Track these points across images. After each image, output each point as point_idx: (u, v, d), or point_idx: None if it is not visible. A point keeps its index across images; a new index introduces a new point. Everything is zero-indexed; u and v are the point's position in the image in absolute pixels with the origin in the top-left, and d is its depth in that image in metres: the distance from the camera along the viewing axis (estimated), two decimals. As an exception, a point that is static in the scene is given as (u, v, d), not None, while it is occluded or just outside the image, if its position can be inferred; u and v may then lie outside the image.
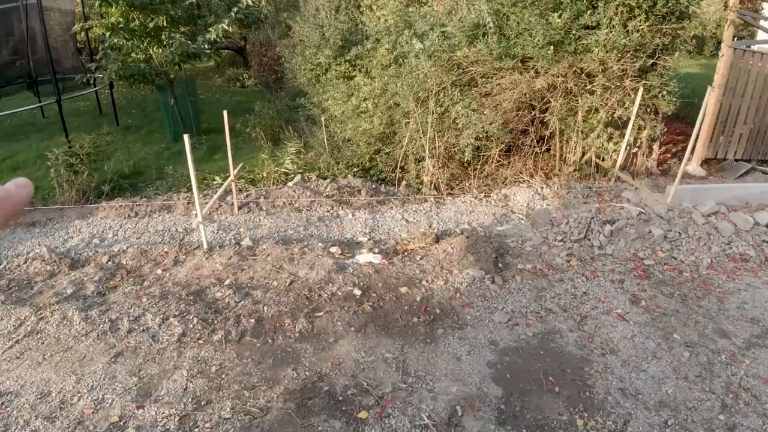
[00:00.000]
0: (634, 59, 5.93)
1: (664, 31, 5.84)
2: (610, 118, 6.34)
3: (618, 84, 6.09)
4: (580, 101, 6.19)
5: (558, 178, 6.72)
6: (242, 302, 4.25)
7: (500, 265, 4.72)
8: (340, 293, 4.26)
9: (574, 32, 5.77)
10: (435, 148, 6.23)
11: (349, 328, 3.88)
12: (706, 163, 8.00)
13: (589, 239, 5.15)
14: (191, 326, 3.95)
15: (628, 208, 5.45)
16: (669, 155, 8.05)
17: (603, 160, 6.72)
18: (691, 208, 5.82)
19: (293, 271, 4.65)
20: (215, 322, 4.02)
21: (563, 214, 5.56)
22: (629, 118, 6.30)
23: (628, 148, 6.63)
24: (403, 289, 4.32)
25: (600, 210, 5.49)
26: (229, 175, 5.85)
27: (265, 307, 4.16)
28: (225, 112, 5.86)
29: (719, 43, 7.46)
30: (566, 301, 4.31)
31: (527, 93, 6.03)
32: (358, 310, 4.05)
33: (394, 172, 6.60)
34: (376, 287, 4.35)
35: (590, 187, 6.61)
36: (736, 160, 8.25)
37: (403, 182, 6.55)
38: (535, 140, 6.57)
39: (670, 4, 5.61)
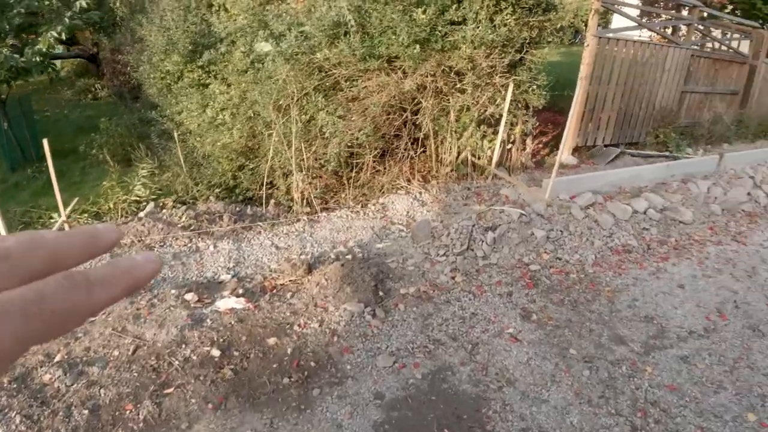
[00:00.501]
0: (503, 55, 5.72)
1: (531, 24, 5.68)
2: (482, 116, 6.12)
3: (488, 81, 5.86)
4: (451, 101, 5.89)
5: (436, 180, 6.41)
6: (75, 385, 3.37)
7: (381, 293, 4.24)
8: (195, 357, 3.52)
9: (440, 29, 5.42)
10: (303, 160, 5.61)
11: (206, 405, 3.17)
12: (576, 150, 8.15)
13: (472, 249, 4.83)
14: (13, 429, 3.03)
15: (508, 211, 5.23)
16: (542, 146, 8.10)
17: (479, 158, 6.51)
18: (570, 201, 5.75)
19: (138, 332, 3.81)
20: (41, 419, 3.12)
21: (444, 224, 5.21)
22: (501, 115, 6.11)
23: (502, 144, 6.47)
24: (272, 341, 3.67)
25: (480, 216, 5.22)
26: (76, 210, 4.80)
27: (102, 390, 3.32)
28: (45, 141, 4.82)
29: (576, 32, 7.54)
30: (455, 327, 3.93)
31: (396, 95, 5.60)
32: (217, 378, 3.34)
33: (262, 189, 5.89)
34: (239, 342, 3.66)
35: (469, 188, 6.37)
36: (606, 146, 8.52)
37: (272, 201, 5.87)
38: (409, 143, 6.19)
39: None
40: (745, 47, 10.73)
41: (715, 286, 4.73)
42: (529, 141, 6.94)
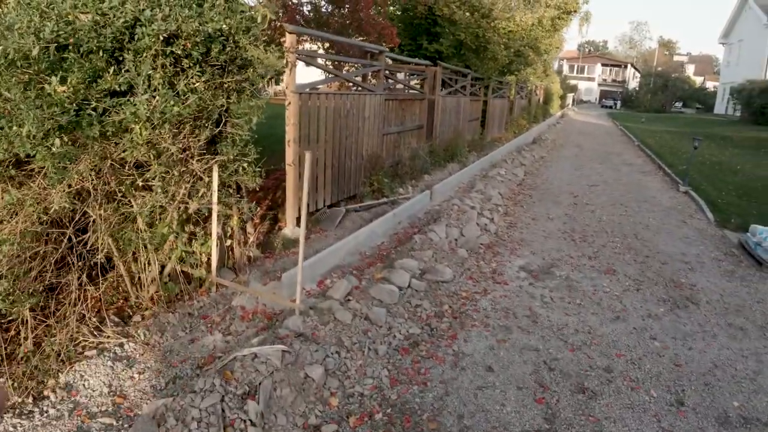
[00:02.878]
0: (196, 131, 4.14)
1: (227, 86, 4.24)
2: (184, 215, 4.43)
3: (184, 168, 4.19)
4: (135, 204, 4.02)
5: (141, 315, 4.42)
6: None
7: None
8: None
9: (95, 105, 3.51)
10: None
11: None
12: (300, 219, 7.08)
13: (231, 444, 3.13)
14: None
15: (263, 355, 3.67)
16: (269, 222, 6.79)
17: (193, 267, 4.77)
18: (327, 299, 4.58)
19: None
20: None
21: (177, 410, 3.31)
22: (210, 208, 4.54)
23: (219, 243, 4.87)
24: None
25: (227, 376, 3.52)
26: None
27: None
28: None
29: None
30: None
31: (42, 214, 3.45)
32: None
33: None
34: None
35: (190, 312, 4.59)
36: (329, 207, 7.72)
37: None
38: (84, 274, 4.04)
39: (228, 49, 4.02)
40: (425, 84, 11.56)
41: (516, 352, 4.33)
42: (249, 228, 5.51)
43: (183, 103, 3.73)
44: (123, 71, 3.59)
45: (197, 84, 3.83)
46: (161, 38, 3.48)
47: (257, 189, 5.24)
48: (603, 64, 61.63)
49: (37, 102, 3.18)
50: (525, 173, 12.72)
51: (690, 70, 64.11)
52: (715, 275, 6.86)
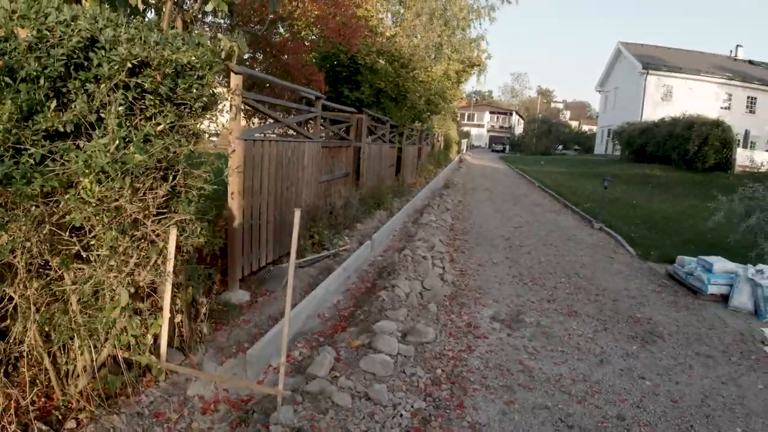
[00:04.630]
0: (155, 185, 3.47)
1: (189, 129, 3.64)
2: (132, 289, 3.66)
3: (137, 232, 3.48)
4: (69, 280, 3.23)
5: (75, 418, 3.50)
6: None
7: None
8: None
9: (30, 151, 2.78)
10: None
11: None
12: (243, 281, 6.37)
13: None
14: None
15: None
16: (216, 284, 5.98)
17: (137, 351, 3.92)
18: (314, 382, 3.92)
19: None
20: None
21: None
22: (162, 277, 3.81)
23: (170, 318, 4.10)
24: None
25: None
26: None
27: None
28: None
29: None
30: None
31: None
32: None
33: None
34: None
35: (139, 412, 3.73)
36: (271, 265, 7.05)
37: None
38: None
39: (195, 86, 3.45)
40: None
41: (529, 414, 4.04)
42: (200, 297, 4.74)
43: (146, 151, 3.08)
44: (70, 104, 2.89)
45: (161, 126, 3.21)
46: (127, 66, 2.85)
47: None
48: (491, 112, 66.32)
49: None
50: (453, 218, 12.80)
51: (566, 115, 70.83)
52: (663, 307, 7.15)
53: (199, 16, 7.53)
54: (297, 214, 3.72)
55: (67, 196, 2.96)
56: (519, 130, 65.26)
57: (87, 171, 2.87)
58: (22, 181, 2.72)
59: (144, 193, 3.34)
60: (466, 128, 55.67)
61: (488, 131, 66.17)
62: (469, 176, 28.20)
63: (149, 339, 4.00)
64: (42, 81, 2.73)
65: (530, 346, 5.36)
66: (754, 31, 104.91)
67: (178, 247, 3.93)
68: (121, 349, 3.82)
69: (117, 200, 3.12)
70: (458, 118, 57.52)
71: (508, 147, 59.25)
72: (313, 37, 10.89)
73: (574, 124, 65.78)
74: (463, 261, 8.77)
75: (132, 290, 3.65)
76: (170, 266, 3.77)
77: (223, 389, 4.18)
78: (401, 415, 3.62)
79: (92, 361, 3.60)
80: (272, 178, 6.68)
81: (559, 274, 8.41)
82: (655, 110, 33.66)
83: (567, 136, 57.11)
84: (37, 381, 3.57)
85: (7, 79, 2.62)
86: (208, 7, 4.87)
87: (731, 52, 39.09)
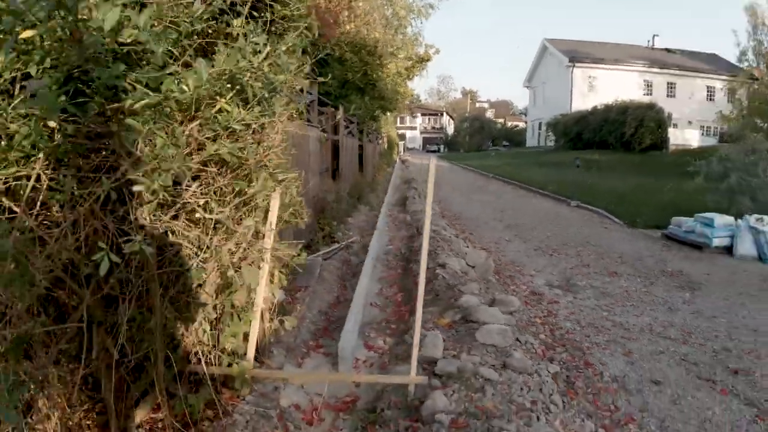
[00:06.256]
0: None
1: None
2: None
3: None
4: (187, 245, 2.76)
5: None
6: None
7: None
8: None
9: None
10: None
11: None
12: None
13: None
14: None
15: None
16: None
17: (215, 361, 3.28)
18: (463, 366, 3.52)
19: None
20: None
21: None
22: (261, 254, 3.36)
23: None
24: None
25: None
26: None
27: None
28: None
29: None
30: None
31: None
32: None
33: None
34: None
35: None
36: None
37: None
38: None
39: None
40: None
41: (658, 363, 3.76)
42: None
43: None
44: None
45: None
46: None
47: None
48: (423, 114, 67.42)
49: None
50: (440, 208, 12.70)
51: (491, 114, 73.35)
52: (681, 261, 7.45)
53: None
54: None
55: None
56: (450, 129, 66.75)
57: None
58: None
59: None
60: (400, 131, 56.30)
61: (421, 133, 67.16)
62: (421, 173, 28.33)
63: (229, 341, 3.45)
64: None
65: (602, 305, 5.34)
66: (669, 21, 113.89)
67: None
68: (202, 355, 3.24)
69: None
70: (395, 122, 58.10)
71: (443, 147, 60.36)
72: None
73: (500, 121, 68.28)
74: (478, 240, 8.66)
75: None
76: (271, 239, 3.33)
77: (316, 393, 3.72)
78: (545, 382, 3.37)
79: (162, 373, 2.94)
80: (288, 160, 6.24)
81: (572, 244, 8.49)
82: (583, 101, 35.32)
83: (498, 132, 59.09)
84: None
85: None
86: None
87: (649, 41, 41.97)
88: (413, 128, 66.80)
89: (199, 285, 2.92)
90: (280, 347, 4.32)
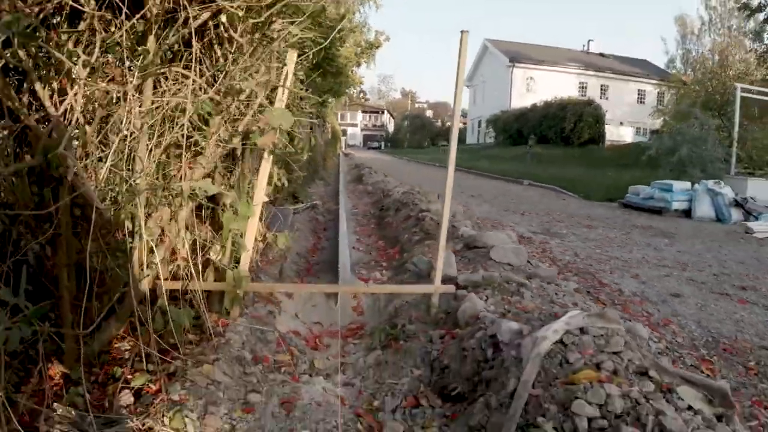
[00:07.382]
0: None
1: None
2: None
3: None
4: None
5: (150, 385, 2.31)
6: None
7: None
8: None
9: None
10: None
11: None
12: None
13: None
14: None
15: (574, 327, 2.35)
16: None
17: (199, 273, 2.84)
18: (491, 276, 3.29)
19: None
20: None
21: None
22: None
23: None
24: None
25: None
26: None
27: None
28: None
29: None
30: None
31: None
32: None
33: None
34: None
35: (237, 358, 2.67)
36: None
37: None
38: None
39: None
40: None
41: (667, 282, 3.66)
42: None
43: None
44: None
45: None
46: None
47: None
48: (363, 111, 67.14)
49: None
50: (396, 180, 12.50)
51: (430, 114, 74.25)
52: (647, 220, 7.61)
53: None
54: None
55: None
56: (391, 127, 66.91)
57: None
58: None
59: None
60: (342, 128, 55.91)
61: (362, 130, 66.88)
62: (368, 164, 28.10)
63: (227, 251, 3.02)
64: None
65: (590, 245, 5.33)
66: (603, 26, 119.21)
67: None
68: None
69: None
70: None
71: (383, 144, 60.37)
72: None
73: (440, 120, 69.29)
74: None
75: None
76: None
77: (313, 322, 3.38)
78: (574, 292, 3.20)
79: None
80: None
81: (539, 210, 8.53)
82: (521, 100, 36.27)
83: (438, 131, 59.78)
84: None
85: None
86: None
87: (584, 46, 43.72)
88: (354, 125, 66.52)
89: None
90: (268, 279, 3.93)
